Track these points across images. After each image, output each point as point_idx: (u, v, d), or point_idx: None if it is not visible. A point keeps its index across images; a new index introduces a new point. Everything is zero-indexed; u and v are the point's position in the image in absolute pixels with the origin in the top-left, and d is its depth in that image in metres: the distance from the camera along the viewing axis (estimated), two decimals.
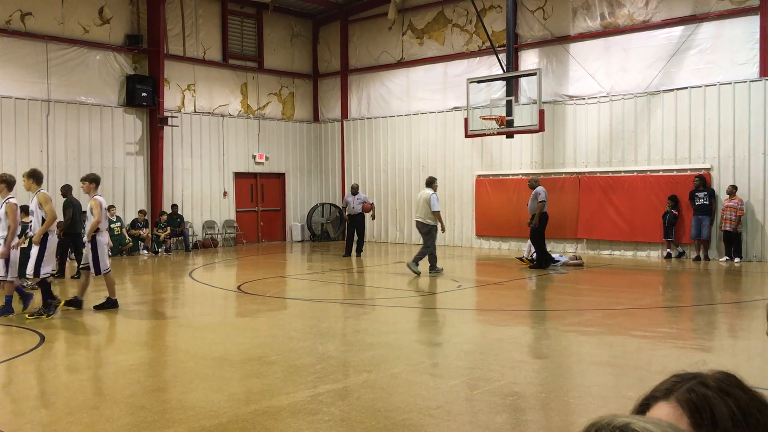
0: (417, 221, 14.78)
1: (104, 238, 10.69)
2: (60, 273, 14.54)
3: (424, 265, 14.41)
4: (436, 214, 14.43)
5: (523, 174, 18.88)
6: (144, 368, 7.20)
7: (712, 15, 16.43)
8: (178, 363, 7.47)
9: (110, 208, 19.10)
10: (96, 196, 10.59)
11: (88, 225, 10.62)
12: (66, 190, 14.98)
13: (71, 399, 6.08)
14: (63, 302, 10.34)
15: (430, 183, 14.87)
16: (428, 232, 14.48)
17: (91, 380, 6.61)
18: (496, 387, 6.26)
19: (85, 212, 11.86)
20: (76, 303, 10.55)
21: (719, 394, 1.15)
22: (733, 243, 15.97)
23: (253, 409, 5.65)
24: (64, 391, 6.43)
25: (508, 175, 19.76)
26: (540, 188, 15.29)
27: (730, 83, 16.18)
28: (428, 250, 14.55)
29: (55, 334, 9.06)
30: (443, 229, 14.77)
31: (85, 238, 10.78)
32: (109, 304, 10.55)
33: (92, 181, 10.75)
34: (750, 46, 15.99)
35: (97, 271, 10.51)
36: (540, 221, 15.14)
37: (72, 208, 14.41)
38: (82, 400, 5.99)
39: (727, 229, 15.92)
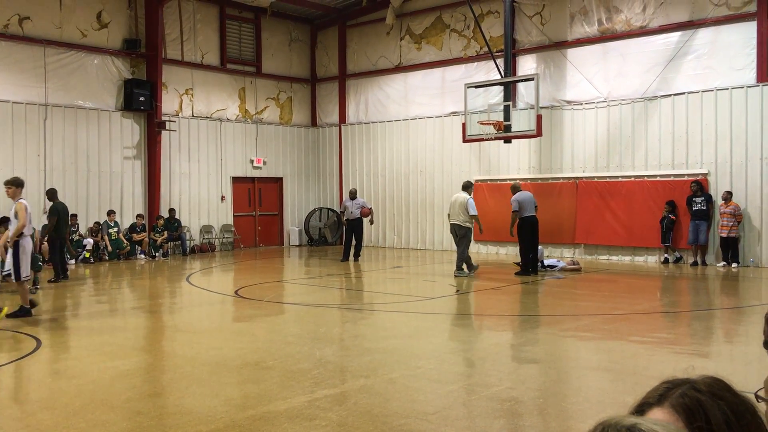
0: (453, 224, 14.91)
1: (28, 243, 10.34)
2: (63, 274, 14.54)
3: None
4: (475, 218, 14.68)
5: (520, 179, 18.88)
6: (141, 373, 7.19)
7: (710, 21, 16.46)
8: (175, 368, 7.45)
9: (109, 213, 19.18)
10: (21, 200, 10.35)
11: (12, 229, 10.26)
12: (52, 194, 14.96)
13: (68, 404, 6.06)
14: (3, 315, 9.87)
15: (467, 187, 15.05)
16: (465, 234, 14.74)
17: (87, 385, 6.59)
18: (493, 392, 6.25)
19: (7, 218, 11.34)
20: (23, 312, 10.18)
21: (711, 398, 1.15)
22: (730, 248, 15.99)
23: (250, 414, 5.64)
24: (61, 395, 6.41)
25: (505, 180, 19.75)
26: (516, 195, 15.05)
27: (728, 89, 16.21)
28: (464, 253, 14.80)
29: (52, 338, 9.05)
30: (481, 231, 15.30)
31: (8, 243, 10.34)
32: (22, 313, 10.13)
33: (18, 185, 10.53)
34: (747, 51, 16.03)
35: (17, 277, 10.16)
36: (522, 227, 15.00)
37: (57, 212, 14.42)
38: (78, 405, 5.97)
39: (724, 235, 15.95)
